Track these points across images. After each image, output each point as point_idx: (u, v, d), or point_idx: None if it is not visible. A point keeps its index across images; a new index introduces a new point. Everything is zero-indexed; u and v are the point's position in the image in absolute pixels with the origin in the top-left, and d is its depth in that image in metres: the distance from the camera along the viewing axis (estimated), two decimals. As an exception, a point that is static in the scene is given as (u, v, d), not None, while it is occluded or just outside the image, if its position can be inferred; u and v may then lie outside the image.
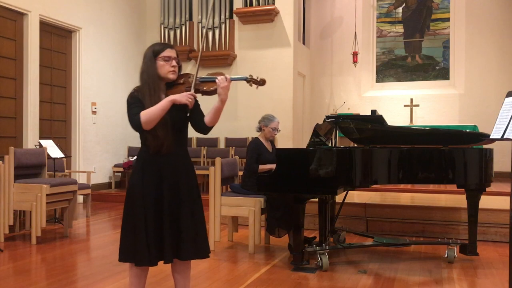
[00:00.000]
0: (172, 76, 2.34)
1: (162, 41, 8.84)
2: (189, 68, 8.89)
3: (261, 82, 2.38)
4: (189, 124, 2.43)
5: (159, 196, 2.31)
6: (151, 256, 2.28)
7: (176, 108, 2.31)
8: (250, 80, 2.37)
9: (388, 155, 3.72)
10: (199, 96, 2.41)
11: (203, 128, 2.39)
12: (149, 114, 2.22)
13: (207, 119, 2.37)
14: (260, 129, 4.50)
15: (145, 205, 2.30)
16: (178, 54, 2.41)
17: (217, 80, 2.28)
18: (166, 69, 2.32)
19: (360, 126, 4.01)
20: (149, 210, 2.30)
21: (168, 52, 2.33)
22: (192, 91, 2.30)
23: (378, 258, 4.03)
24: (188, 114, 2.33)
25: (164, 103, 2.23)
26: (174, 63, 2.34)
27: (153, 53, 2.33)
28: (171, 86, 2.37)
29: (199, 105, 2.42)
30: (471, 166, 3.82)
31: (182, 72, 2.44)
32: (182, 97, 2.25)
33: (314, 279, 3.41)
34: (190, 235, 2.32)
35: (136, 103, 2.29)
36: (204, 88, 2.33)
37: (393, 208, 5.03)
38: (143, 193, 2.31)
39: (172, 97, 2.25)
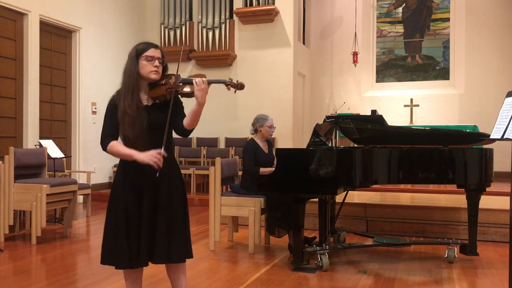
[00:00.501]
0: (154, 76, 2.28)
1: (162, 41, 8.86)
2: (189, 68, 8.89)
3: (239, 86, 2.29)
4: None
5: (139, 197, 2.28)
6: (132, 258, 2.25)
7: (156, 108, 2.29)
8: (228, 84, 2.28)
9: (388, 155, 3.72)
10: (181, 98, 2.35)
11: (182, 130, 2.30)
12: (113, 151, 2.26)
13: (185, 122, 2.28)
14: (255, 131, 4.45)
15: (127, 206, 2.27)
16: (164, 55, 2.35)
17: (194, 83, 2.21)
18: (148, 69, 2.27)
19: (360, 126, 4.01)
20: (130, 212, 2.27)
21: (152, 52, 2.28)
22: (173, 93, 2.24)
23: (378, 258, 4.03)
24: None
25: (128, 153, 2.22)
26: (157, 63, 2.28)
27: (136, 53, 2.29)
28: (154, 86, 2.33)
29: (182, 107, 2.37)
30: (471, 166, 3.82)
31: (168, 72, 2.38)
32: (145, 157, 2.18)
33: (314, 279, 3.41)
34: (163, 238, 2.27)
35: (108, 114, 2.29)
36: (183, 90, 2.27)
37: (393, 208, 5.03)
38: (125, 194, 2.28)
39: (136, 155, 2.20)
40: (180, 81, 2.28)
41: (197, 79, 2.20)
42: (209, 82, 2.22)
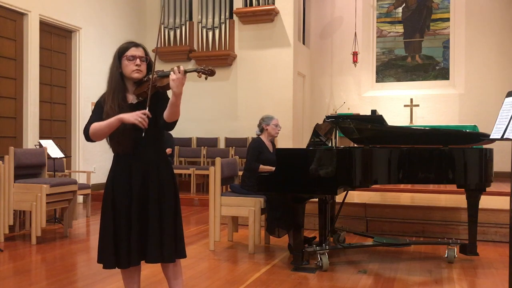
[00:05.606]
0: (136, 75, 2.29)
1: (162, 41, 8.86)
2: (188, 68, 8.88)
3: (209, 72, 2.20)
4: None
5: (129, 196, 2.27)
6: (119, 258, 2.25)
7: (141, 106, 2.26)
8: (199, 71, 2.22)
9: (388, 155, 3.72)
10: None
11: (163, 124, 2.26)
12: (95, 128, 2.23)
13: (165, 115, 2.23)
14: (261, 131, 4.47)
15: (114, 206, 2.27)
16: (147, 52, 2.34)
17: (170, 74, 2.16)
18: (130, 68, 2.28)
19: (360, 126, 4.01)
20: (119, 211, 2.26)
21: (133, 51, 2.29)
22: (151, 88, 2.22)
23: (378, 258, 4.03)
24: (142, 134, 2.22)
25: (112, 120, 2.20)
26: (138, 62, 2.28)
27: (118, 53, 2.31)
28: (139, 84, 2.33)
29: (163, 100, 2.30)
30: (471, 166, 3.81)
31: (156, 69, 2.32)
32: (130, 117, 2.17)
33: (314, 279, 3.41)
34: (155, 237, 2.26)
35: (96, 110, 2.29)
36: (160, 84, 2.25)
37: (393, 208, 5.03)
38: (113, 194, 2.29)
39: (121, 116, 2.19)
40: (159, 75, 2.27)
41: (174, 68, 2.15)
42: (185, 72, 2.18)
